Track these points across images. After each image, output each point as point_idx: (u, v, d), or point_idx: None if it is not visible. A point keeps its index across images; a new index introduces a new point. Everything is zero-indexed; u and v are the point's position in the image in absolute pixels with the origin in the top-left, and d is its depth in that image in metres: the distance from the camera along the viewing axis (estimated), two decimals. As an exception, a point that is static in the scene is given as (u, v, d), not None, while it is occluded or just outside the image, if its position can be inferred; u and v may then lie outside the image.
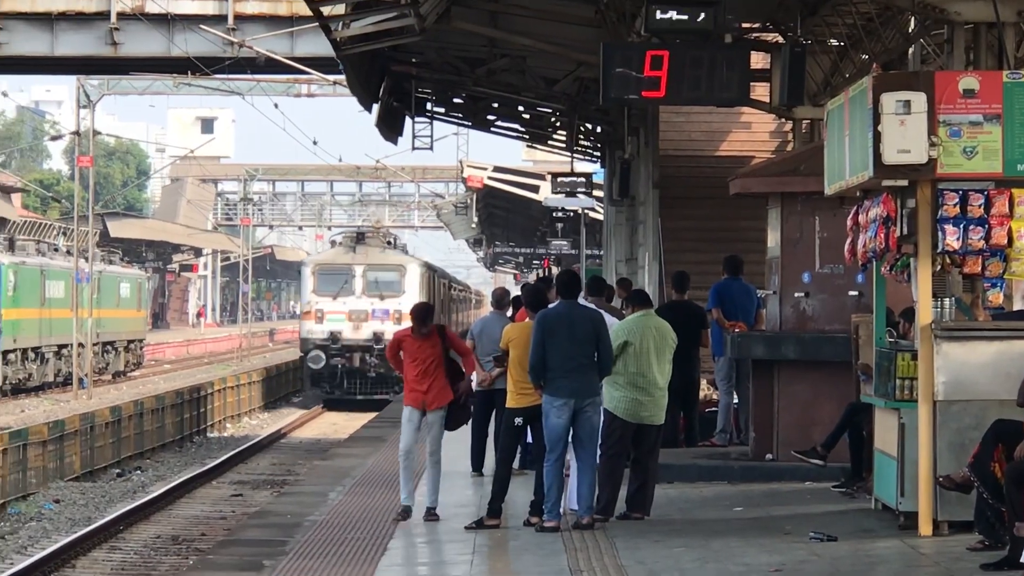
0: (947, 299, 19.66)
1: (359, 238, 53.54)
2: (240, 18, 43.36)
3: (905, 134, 18.16)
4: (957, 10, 15.21)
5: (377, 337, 47.43)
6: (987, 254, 18.90)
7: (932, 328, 18.72)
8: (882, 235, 19.59)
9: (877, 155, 18.28)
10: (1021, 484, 15.76)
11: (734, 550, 16.79)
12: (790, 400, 25.56)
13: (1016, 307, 21.28)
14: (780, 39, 27.94)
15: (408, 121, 42.94)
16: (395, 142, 48.60)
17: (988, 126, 18.38)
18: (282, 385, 73.34)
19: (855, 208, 20.96)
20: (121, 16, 42.34)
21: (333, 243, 70.09)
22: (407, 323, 37.76)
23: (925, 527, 17.83)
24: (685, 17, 23.67)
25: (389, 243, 57.44)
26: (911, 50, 27.06)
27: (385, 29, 31.06)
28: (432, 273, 56.03)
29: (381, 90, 38.74)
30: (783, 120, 32.32)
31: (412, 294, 48.72)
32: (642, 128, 35.29)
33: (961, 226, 18.66)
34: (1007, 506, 15.65)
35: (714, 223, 35.27)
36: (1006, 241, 18.66)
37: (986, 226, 18.68)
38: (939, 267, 19.23)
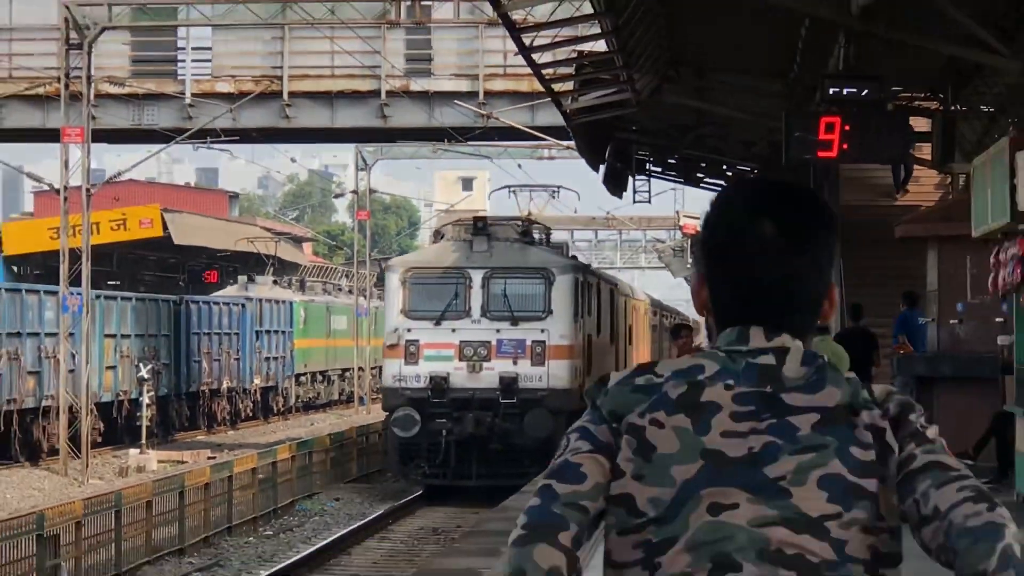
0: None
1: (479, 227, 30.60)
2: (489, 94, 46.85)
3: None
4: None
5: (506, 384, 27.76)
6: None
7: None
8: (1019, 271, 21.11)
9: (1013, 203, 19.56)
10: None
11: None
12: (947, 411, 26.31)
13: None
14: (939, 105, 29.64)
15: (630, 178, 45.06)
16: (620, 196, 48.52)
17: None
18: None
19: (996, 248, 22.51)
20: (389, 94, 46.90)
21: (438, 235, 40.00)
22: (556, 362, 28.83)
23: None
24: (854, 89, 24.62)
25: (525, 233, 33.77)
26: None
27: (607, 103, 32.89)
28: (594, 281, 36.63)
29: (607, 152, 40.32)
30: (945, 174, 33.56)
31: (563, 317, 29.09)
32: (825, 183, 36.33)
33: None
34: None
35: (886, 262, 36.40)
36: None
37: None
38: None
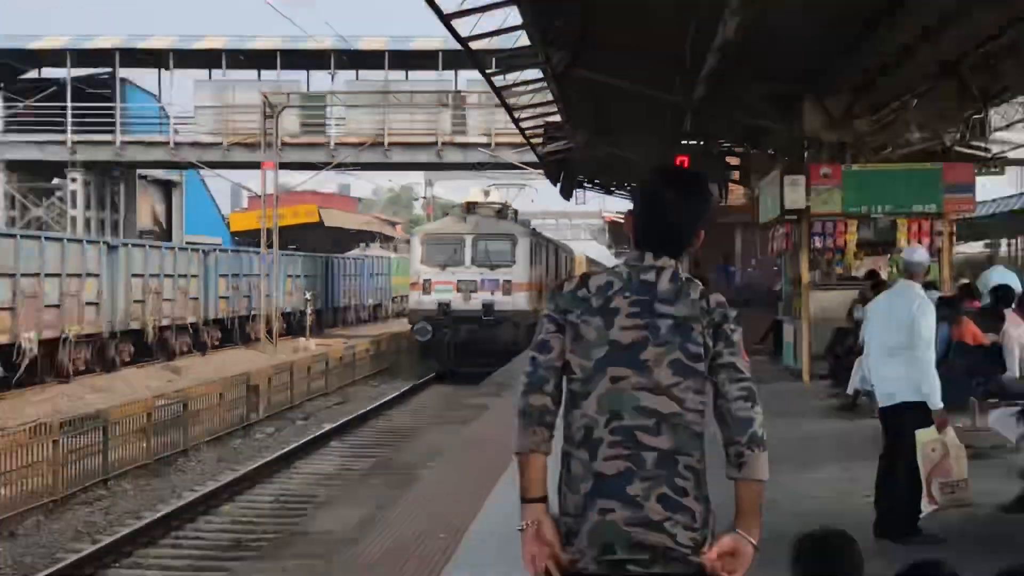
0: (816, 271, 25.86)
1: (470, 208, 39.48)
2: (498, 144, 55.57)
3: (795, 193, 23.84)
4: (824, 137, 18.85)
5: (487, 307, 36.05)
6: (832, 251, 24.93)
7: (810, 284, 24.96)
8: (785, 242, 27.36)
9: (781, 205, 24.35)
10: (838, 356, 21.61)
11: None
12: (746, 319, 30.57)
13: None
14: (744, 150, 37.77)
15: (575, 190, 52.55)
16: (568, 199, 55.25)
17: (834, 190, 23.42)
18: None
19: (772, 230, 28.98)
20: (443, 144, 57.30)
21: (445, 213, 55.21)
22: (518, 293, 37.31)
23: (806, 378, 24.18)
24: (695, 142, 34.47)
25: (499, 212, 42.22)
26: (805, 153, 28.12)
27: (561, 149, 42.41)
28: (543, 242, 45.41)
29: (561, 175, 49.05)
30: (746, 189, 39.65)
31: (522, 265, 36.63)
32: None
33: (822, 236, 24.31)
34: (838, 368, 21.06)
35: (712, 239, 38.68)
36: (843, 244, 24.35)
37: (833, 236, 24.02)
38: (812, 257, 25.03)
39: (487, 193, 49.64)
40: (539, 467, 4.57)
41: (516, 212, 48.70)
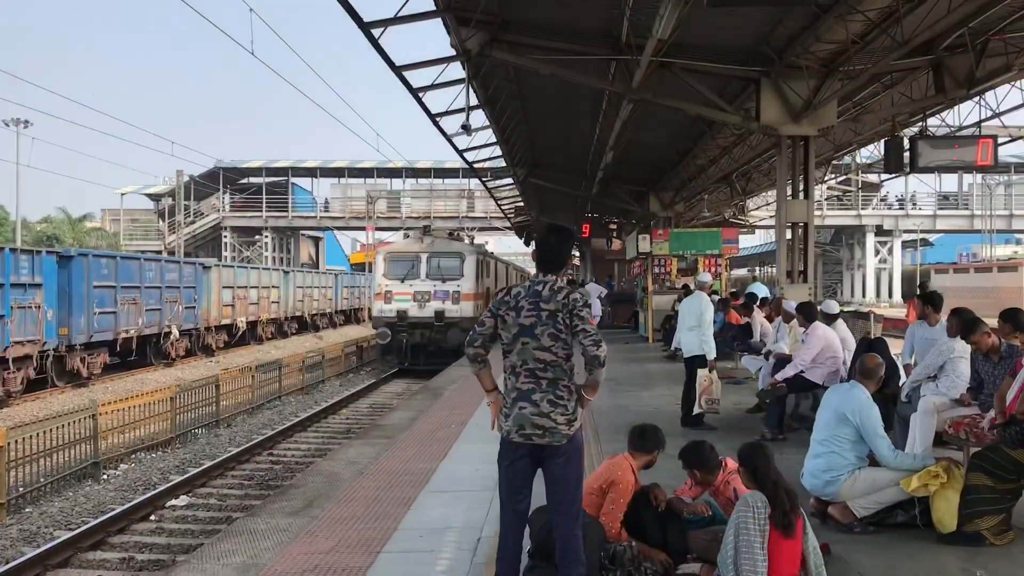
0: (655, 284, 24.59)
1: (426, 230, 27.62)
2: (492, 217, 56.00)
3: (644, 243, 23.53)
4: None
5: (438, 314, 25.12)
6: (664, 274, 24.34)
7: (652, 290, 23.92)
8: (639, 268, 25.78)
9: (637, 249, 24.35)
10: (665, 329, 21.87)
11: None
12: (615, 310, 30.22)
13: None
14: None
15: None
16: (527, 245, 47.92)
17: (664, 242, 22.64)
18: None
19: (634, 262, 27.73)
20: (464, 218, 55.54)
21: (405, 235, 33.35)
22: (465, 302, 24.71)
23: (651, 340, 25.47)
24: (593, 220, 35.02)
25: (451, 234, 29.37)
26: (651, 222, 27.49)
27: (524, 219, 41.97)
28: (490, 259, 32.22)
29: (524, 232, 44.83)
30: (620, 244, 35.92)
31: (470, 278, 26.07)
32: (584, 241, 41.69)
33: (658, 266, 24.01)
34: (666, 335, 21.85)
35: (603, 267, 41.38)
36: (669, 270, 24.29)
37: (664, 266, 24.03)
38: (653, 276, 24.82)
39: (486, 242, 42.81)
40: (486, 375, 4.85)
41: (469, 236, 34.78)
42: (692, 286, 22.37)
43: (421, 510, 7.14)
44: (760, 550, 4.39)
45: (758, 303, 15.78)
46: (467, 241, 29.79)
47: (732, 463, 5.48)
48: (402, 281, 25.53)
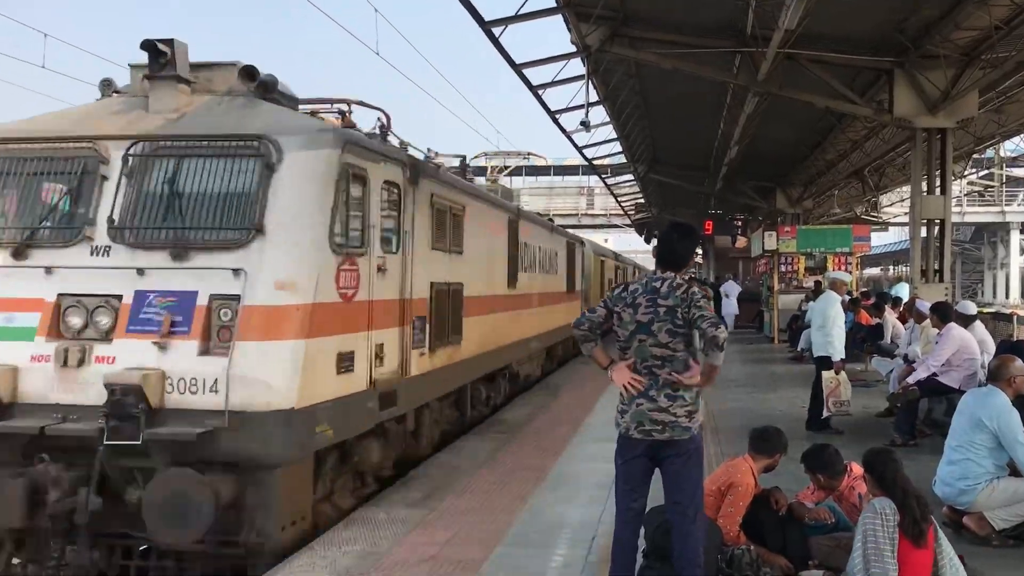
0: (781, 283, 23.97)
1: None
2: (612, 214, 53.72)
3: (771, 241, 22.27)
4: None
5: None
6: (791, 272, 23.10)
7: (778, 290, 23.88)
8: (765, 266, 25.20)
9: (763, 247, 22.61)
10: (792, 329, 22.83)
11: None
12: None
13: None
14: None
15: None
16: (647, 243, 49.46)
17: (792, 240, 21.88)
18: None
19: (761, 260, 26.60)
20: (582, 214, 53.84)
21: None
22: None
23: (776, 341, 24.08)
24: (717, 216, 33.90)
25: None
26: (778, 219, 27.13)
27: (644, 216, 41.07)
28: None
29: (644, 229, 43.41)
30: (745, 241, 32.71)
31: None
32: (707, 238, 42.28)
33: (785, 264, 22.91)
34: (792, 336, 21.29)
35: (726, 265, 37.87)
36: (796, 268, 22.92)
37: (791, 265, 22.93)
38: (779, 275, 25.28)
39: (606, 240, 43.57)
40: (599, 352, 4.78)
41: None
42: (824, 283, 22.64)
43: (537, 506, 7.16)
44: (891, 558, 4.25)
45: (889, 303, 15.24)
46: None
47: (857, 468, 5.31)
48: None
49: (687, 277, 4.80)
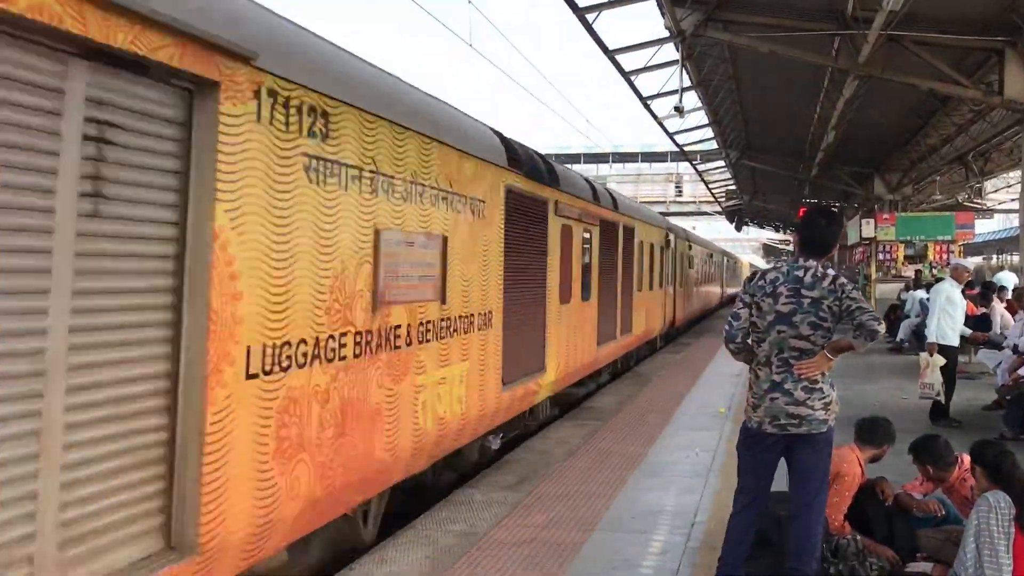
0: (879, 272, 25.05)
1: None
2: (702, 202, 52.43)
3: (868, 229, 22.92)
4: (885, 197, 12.19)
5: None
6: (889, 262, 23.46)
7: (875, 279, 23.24)
8: (862, 256, 26.04)
9: (860, 235, 23.40)
10: (890, 320, 19.43)
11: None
12: None
13: None
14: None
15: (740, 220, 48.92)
16: (738, 231, 51.92)
17: (890, 227, 21.90)
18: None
19: (854, 249, 28.29)
20: (670, 202, 54.48)
21: None
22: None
23: None
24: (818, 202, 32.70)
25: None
26: (875, 206, 26.36)
27: (734, 204, 40.06)
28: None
29: (735, 217, 46.28)
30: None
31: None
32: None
33: (883, 253, 23.11)
34: (891, 326, 18.28)
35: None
36: (895, 257, 22.90)
37: (889, 253, 22.97)
38: (877, 264, 25.91)
39: (694, 228, 41.77)
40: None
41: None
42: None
43: (632, 492, 7.19)
44: (1005, 553, 4.13)
45: (996, 292, 14.66)
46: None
47: (969, 459, 5.16)
48: None
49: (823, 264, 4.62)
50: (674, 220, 34.40)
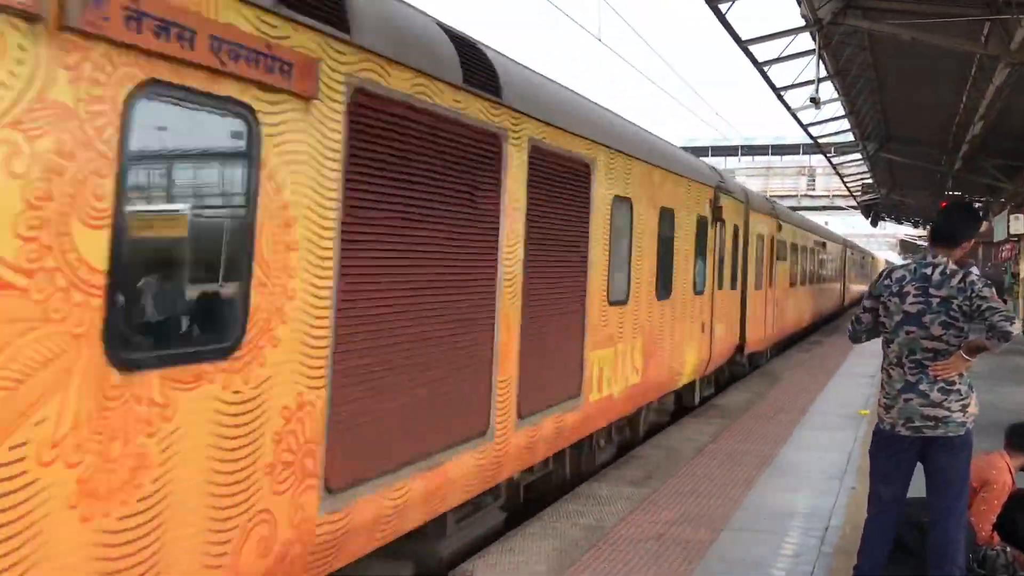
0: None
1: None
2: (836, 196, 50.64)
3: (1017, 224, 22.31)
4: None
5: None
6: None
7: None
8: (1009, 253, 25.46)
9: (1008, 230, 22.86)
10: None
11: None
12: None
13: None
14: None
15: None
16: (874, 226, 46.55)
17: None
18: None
19: (1001, 246, 26.72)
20: (802, 196, 51.91)
21: None
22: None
23: (1018, 332, 21.12)
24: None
25: None
26: None
27: (871, 198, 37.34)
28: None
29: (871, 212, 42.28)
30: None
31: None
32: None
33: None
34: None
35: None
36: None
37: None
38: None
39: (826, 223, 39.52)
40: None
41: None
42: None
43: (762, 492, 7.07)
44: None
45: None
46: None
47: None
48: None
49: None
50: (807, 215, 33.32)
